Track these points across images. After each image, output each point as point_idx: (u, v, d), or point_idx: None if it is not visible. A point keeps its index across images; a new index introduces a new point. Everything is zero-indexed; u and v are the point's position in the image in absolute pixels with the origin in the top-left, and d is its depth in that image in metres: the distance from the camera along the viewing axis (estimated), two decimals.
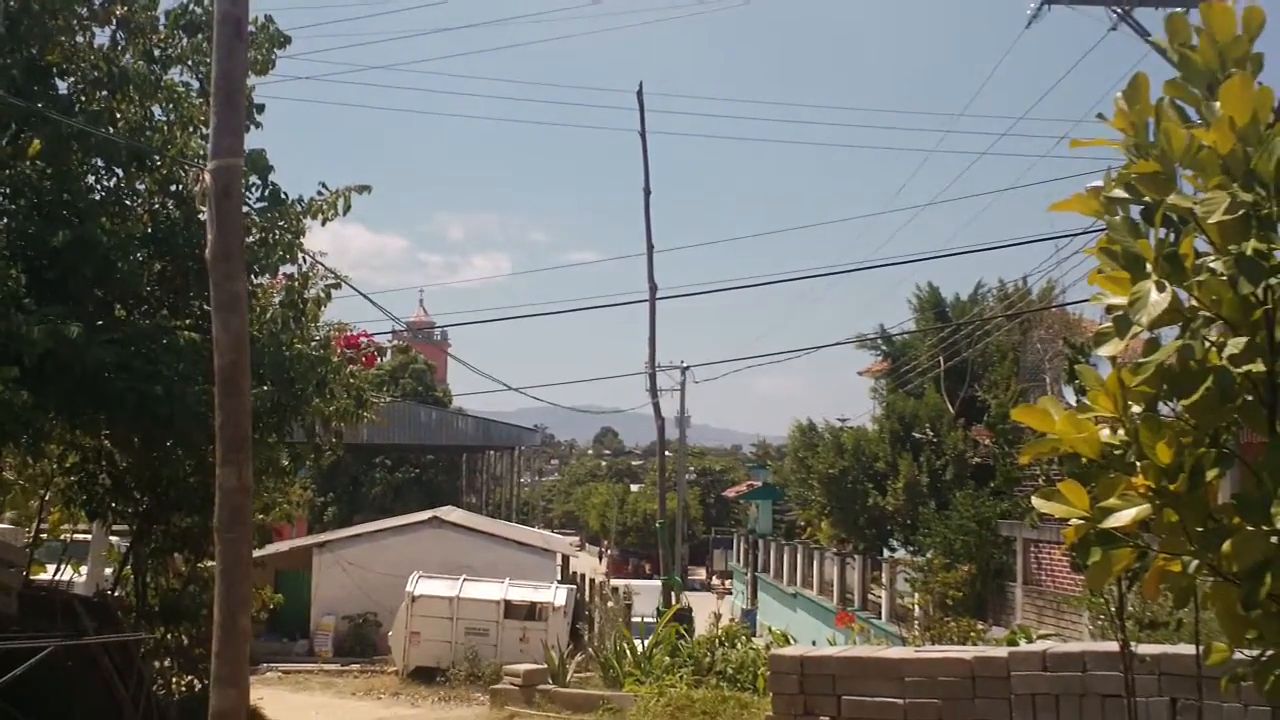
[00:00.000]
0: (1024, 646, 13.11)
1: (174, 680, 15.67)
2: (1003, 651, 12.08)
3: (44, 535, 17.44)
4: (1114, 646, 11.01)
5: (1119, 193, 4.41)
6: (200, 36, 12.99)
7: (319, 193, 13.60)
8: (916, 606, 29.26)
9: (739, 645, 19.07)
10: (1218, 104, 4.03)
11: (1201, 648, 7.56)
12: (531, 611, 31.17)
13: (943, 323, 38.27)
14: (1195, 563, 4.40)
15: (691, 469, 79.09)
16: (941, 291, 39.77)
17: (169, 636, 15.38)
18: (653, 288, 30.70)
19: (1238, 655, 4.99)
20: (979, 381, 35.79)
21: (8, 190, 12.34)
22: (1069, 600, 24.05)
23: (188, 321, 13.15)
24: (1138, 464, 4.42)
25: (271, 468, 14.55)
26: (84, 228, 12.04)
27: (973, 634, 18.41)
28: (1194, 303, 4.35)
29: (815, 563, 43.03)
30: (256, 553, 16.09)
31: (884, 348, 41.92)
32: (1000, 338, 35.95)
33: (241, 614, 4.11)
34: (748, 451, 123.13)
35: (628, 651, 20.28)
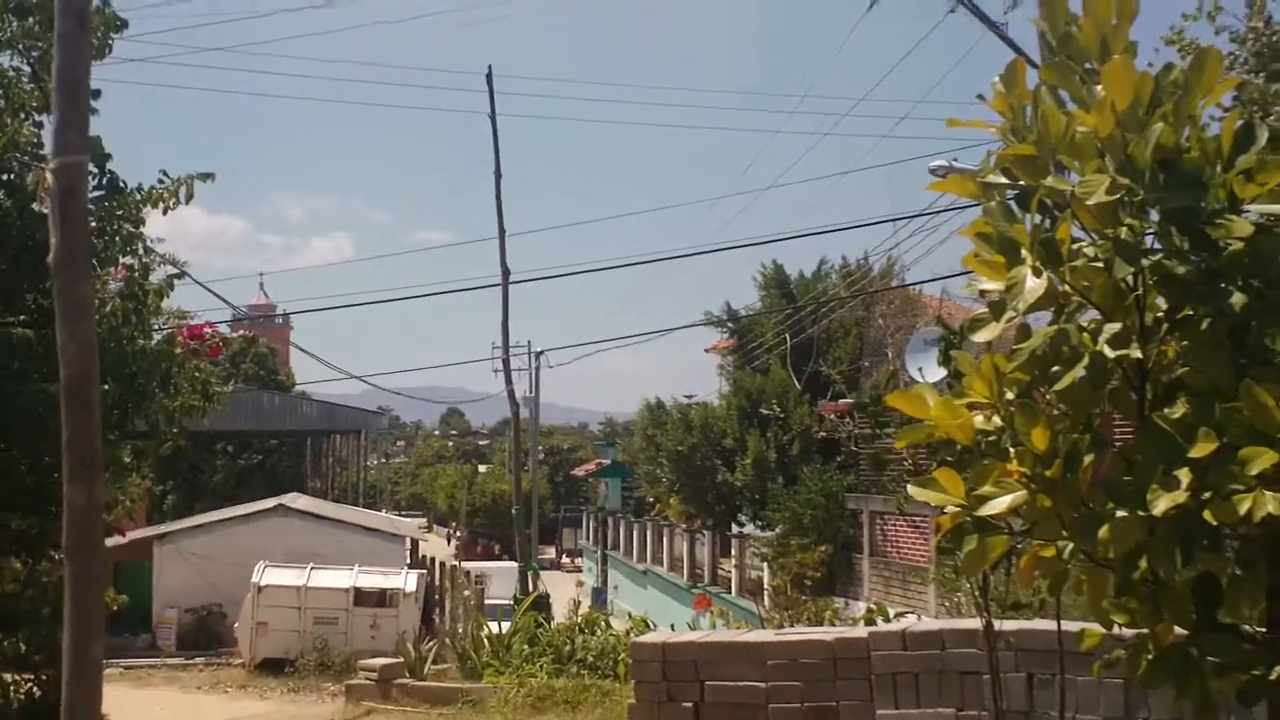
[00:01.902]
0: (882, 626, 13.26)
1: (12, 688, 15.04)
2: (863, 631, 12.18)
3: None
4: (970, 623, 11.17)
5: (996, 177, 4.39)
6: (32, 20, 12.36)
7: (160, 181, 13.06)
8: (768, 583, 29.54)
9: (599, 632, 18.97)
10: (1099, 87, 4.02)
11: (1070, 629, 7.68)
12: (382, 599, 30.83)
13: (788, 300, 38.67)
14: (1070, 548, 4.41)
15: (540, 448, 79.01)
16: (786, 269, 40.20)
17: (5, 644, 14.74)
18: (505, 272, 30.43)
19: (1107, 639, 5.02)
20: (824, 357, 36.23)
21: None
22: (915, 571, 24.52)
23: (21, 317, 12.55)
24: (1012, 450, 4.41)
25: (114, 466, 14.00)
26: None
27: (830, 612, 18.57)
28: (1066, 288, 4.35)
29: (665, 539, 43.35)
30: None
31: (730, 325, 42.18)
32: (844, 314, 36.44)
33: (94, 642, 3.85)
34: (595, 429, 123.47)
35: (485, 641, 20.08)
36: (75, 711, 3.81)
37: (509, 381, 32.61)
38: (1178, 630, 4.34)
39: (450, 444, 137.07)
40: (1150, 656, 4.39)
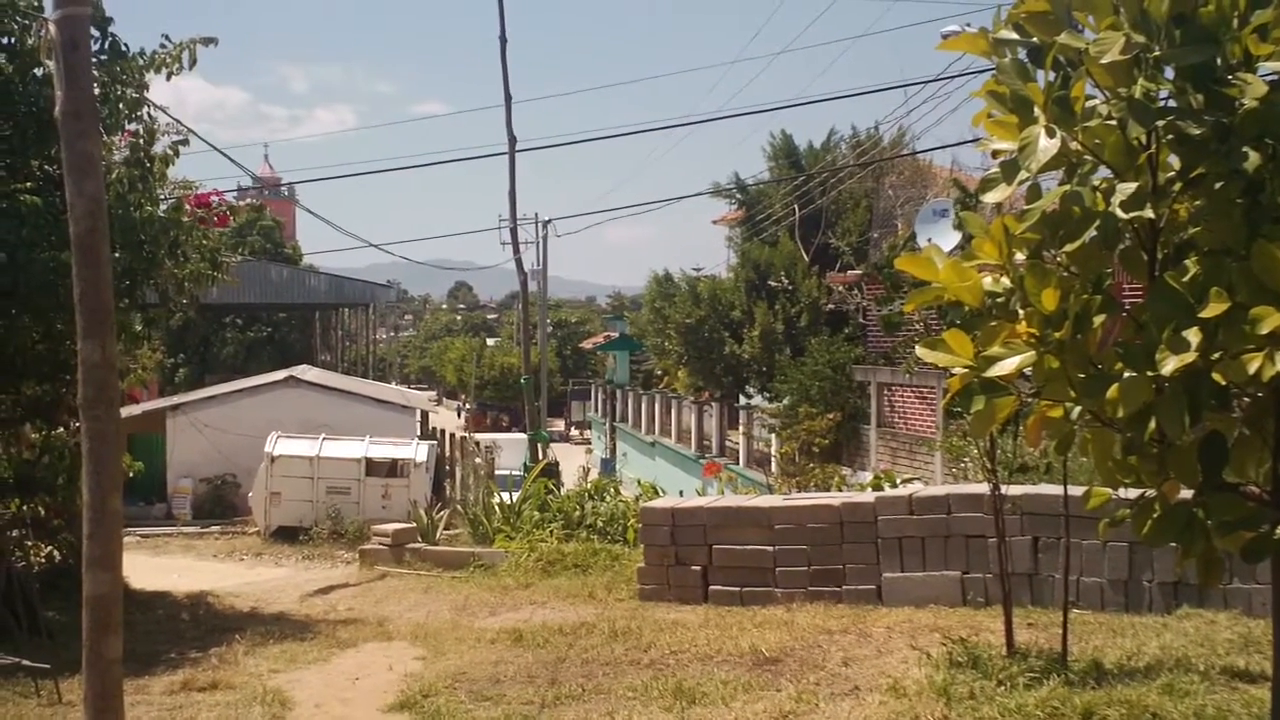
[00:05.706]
0: (889, 491, 13.39)
1: (32, 552, 15.29)
2: (870, 496, 12.32)
3: None
4: (975, 488, 11.29)
5: (1008, 33, 4.32)
6: None
7: (162, 45, 12.96)
8: (775, 452, 29.70)
9: (608, 498, 19.14)
10: None
11: (1075, 493, 7.74)
12: (393, 468, 31.10)
13: (797, 171, 38.37)
14: (1077, 409, 4.42)
15: (548, 321, 79.18)
16: (795, 139, 39.87)
17: (25, 508, 14.93)
18: (512, 140, 29.99)
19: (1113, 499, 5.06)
20: (833, 228, 36.05)
21: None
22: (922, 442, 24.65)
23: (29, 185, 12.51)
24: (1021, 312, 4.40)
25: (125, 333, 14.08)
26: None
27: (837, 479, 18.70)
28: (1077, 147, 4.30)
29: (673, 411, 43.53)
30: None
31: (739, 196, 41.93)
32: (853, 185, 36.18)
33: (112, 495, 3.91)
34: (602, 302, 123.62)
35: (496, 508, 20.28)
36: (95, 564, 3.88)
37: (516, 250, 32.44)
38: (1183, 490, 4.37)
39: (458, 317, 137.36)
40: (1156, 516, 4.42)
